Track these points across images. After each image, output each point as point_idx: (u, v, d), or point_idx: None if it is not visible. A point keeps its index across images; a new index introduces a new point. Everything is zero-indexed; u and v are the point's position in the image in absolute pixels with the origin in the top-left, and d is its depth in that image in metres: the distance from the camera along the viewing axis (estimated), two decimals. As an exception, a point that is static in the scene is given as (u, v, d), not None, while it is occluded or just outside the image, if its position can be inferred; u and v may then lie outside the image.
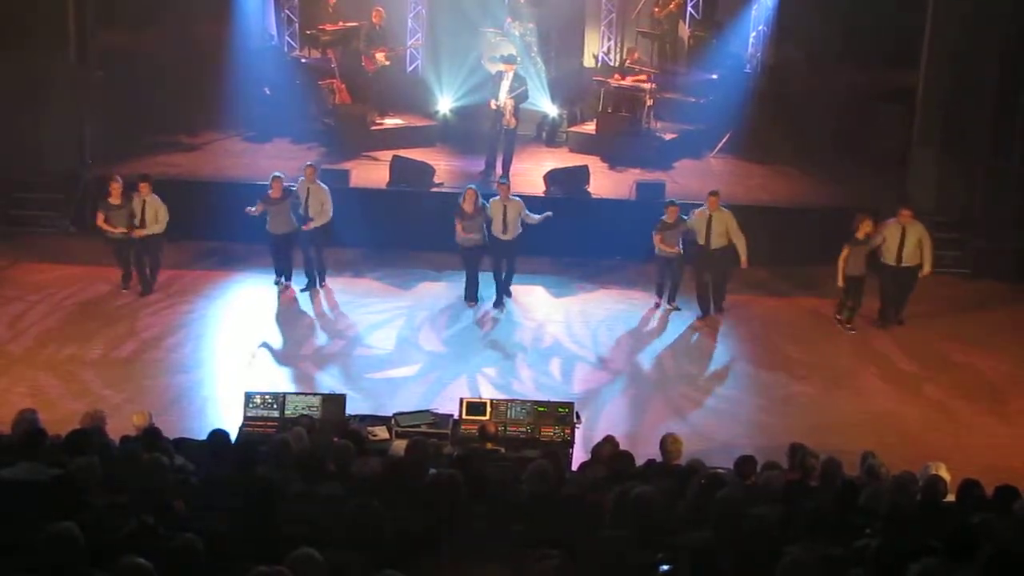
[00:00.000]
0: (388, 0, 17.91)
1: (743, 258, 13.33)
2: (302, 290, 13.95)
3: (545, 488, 6.84)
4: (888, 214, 13.54)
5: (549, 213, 13.60)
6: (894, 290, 13.47)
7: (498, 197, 13.57)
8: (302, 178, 13.82)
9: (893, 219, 13.31)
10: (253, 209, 13.61)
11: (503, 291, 13.82)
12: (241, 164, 16.33)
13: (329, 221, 13.83)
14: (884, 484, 7.91)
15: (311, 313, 13.57)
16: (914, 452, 9.93)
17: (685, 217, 13.46)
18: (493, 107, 15.70)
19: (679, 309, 13.71)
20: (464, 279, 13.76)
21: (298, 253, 14.00)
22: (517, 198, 13.67)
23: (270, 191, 13.64)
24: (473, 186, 13.77)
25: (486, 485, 6.99)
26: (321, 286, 14.08)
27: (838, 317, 13.54)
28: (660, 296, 13.83)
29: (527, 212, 13.52)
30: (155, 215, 13.60)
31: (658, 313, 13.76)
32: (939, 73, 15.71)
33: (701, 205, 13.51)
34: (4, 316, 13.13)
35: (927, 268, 13.27)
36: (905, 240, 13.18)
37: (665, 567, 5.70)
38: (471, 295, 13.78)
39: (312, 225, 13.69)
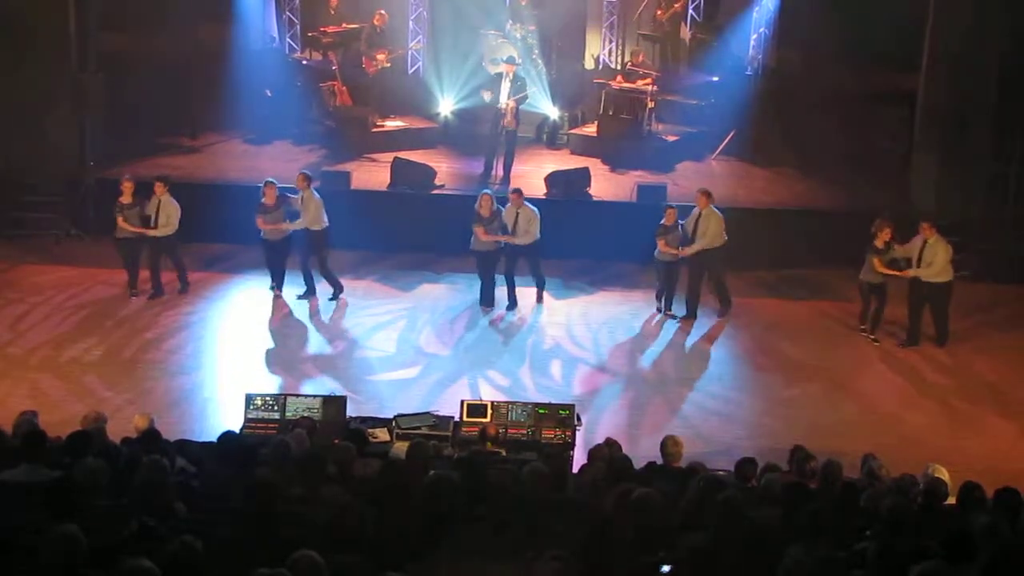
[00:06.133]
0: (389, 2, 17.93)
1: (690, 249, 13.29)
2: (299, 297, 13.73)
3: (542, 491, 6.83)
4: (888, 217, 13.50)
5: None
6: (917, 305, 13.12)
7: (510, 204, 13.55)
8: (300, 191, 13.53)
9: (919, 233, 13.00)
10: (264, 231, 13.41)
11: (523, 293, 13.76)
12: (242, 166, 16.33)
13: (322, 230, 13.52)
14: (884, 486, 7.93)
15: (311, 315, 13.56)
16: (914, 454, 9.91)
17: (683, 222, 13.46)
18: (487, 98, 15.78)
19: (675, 317, 13.64)
20: (480, 284, 13.73)
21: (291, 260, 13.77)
22: (532, 207, 13.56)
23: (263, 198, 13.40)
24: (488, 191, 13.68)
25: (487, 487, 6.99)
26: (309, 296, 13.74)
27: (862, 327, 13.36)
28: (660, 301, 13.81)
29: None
30: (167, 217, 13.46)
31: (659, 317, 13.75)
32: (940, 76, 15.70)
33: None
34: (5, 318, 13.14)
35: (915, 270, 12.84)
36: (923, 254, 12.85)
37: (666, 568, 5.70)
38: (488, 300, 13.72)
39: (299, 227, 13.43)
